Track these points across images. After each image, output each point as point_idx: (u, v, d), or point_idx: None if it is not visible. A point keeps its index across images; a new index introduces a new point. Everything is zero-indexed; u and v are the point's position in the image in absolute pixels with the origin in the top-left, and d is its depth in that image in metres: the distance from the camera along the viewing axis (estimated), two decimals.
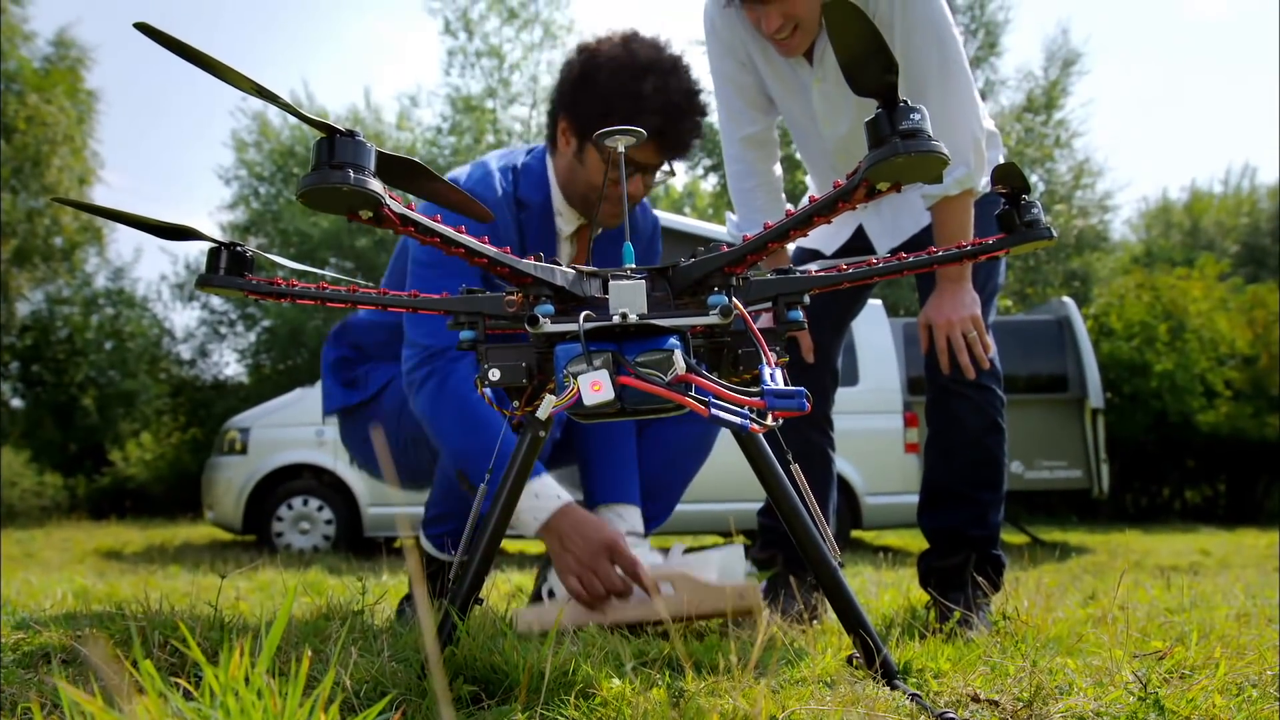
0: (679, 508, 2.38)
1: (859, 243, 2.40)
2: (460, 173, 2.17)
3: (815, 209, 1.23)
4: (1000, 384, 2.25)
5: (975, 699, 1.32)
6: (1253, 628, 2.00)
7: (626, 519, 2.10)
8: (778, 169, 2.42)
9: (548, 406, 1.30)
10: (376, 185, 1.11)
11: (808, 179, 2.57)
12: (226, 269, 1.34)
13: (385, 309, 1.40)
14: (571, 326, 1.25)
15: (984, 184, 2.13)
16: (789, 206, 2.44)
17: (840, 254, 2.40)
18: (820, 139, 2.29)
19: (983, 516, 2.22)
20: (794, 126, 2.35)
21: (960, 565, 2.19)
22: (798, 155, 2.48)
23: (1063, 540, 8.54)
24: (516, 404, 1.36)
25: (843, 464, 6.78)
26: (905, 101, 1.11)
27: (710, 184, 20.75)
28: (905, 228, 2.34)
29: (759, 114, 2.33)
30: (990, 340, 2.20)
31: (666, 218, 6.97)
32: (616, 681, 1.26)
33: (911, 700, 1.24)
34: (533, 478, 1.81)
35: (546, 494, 1.80)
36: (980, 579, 2.16)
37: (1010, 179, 1.36)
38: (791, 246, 2.45)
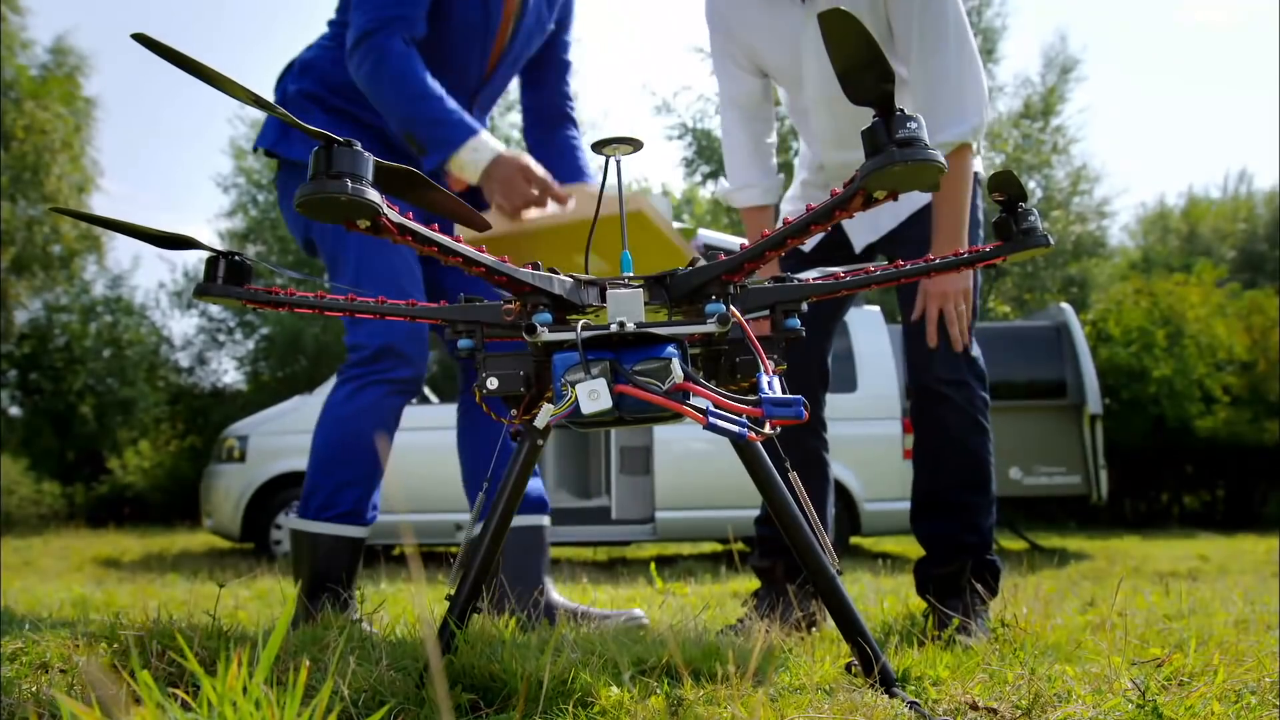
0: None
1: (836, 236, 2.44)
2: None
3: (812, 218, 1.24)
4: (983, 383, 2.27)
5: (974, 707, 1.32)
6: (1251, 634, 2.00)
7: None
8: (768, 137, 2.48)
9: (545, 415, 1.30)
10: (374, 195, 1.11)
11: (795, 160, 2.60)
12: (225, 278, 1.35)
13: (382, 317, 1.40)
14: (569, 335, 1.25)
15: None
16: (780, 177, 2.49)
17: (818, 249, 2.43)
18: (805, 90, 2.33)
19: (974, 522, 2.22)
20: (785, 83, 2.41)
21: (957, 573, 2.20)
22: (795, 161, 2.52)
23: (1061, 546, 8.54)
24: (514, 412, 1.36)
25: (842, 470, 6.79)
26: (901, 110, 1.12)
27: (708, 191, 20.78)
28: (883, 224, 2.39)
29: (744, 74, 2.39)
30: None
31: None
32: (615, 689, 1.26)
33: (910, 708, 1.24)
34: (471, 136, 2.07)
35: (484, 147, 2.07)
36: (978, 585, 2.16)
37: (1007, 187, 1.36)
38: None
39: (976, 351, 2.25)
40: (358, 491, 2.20)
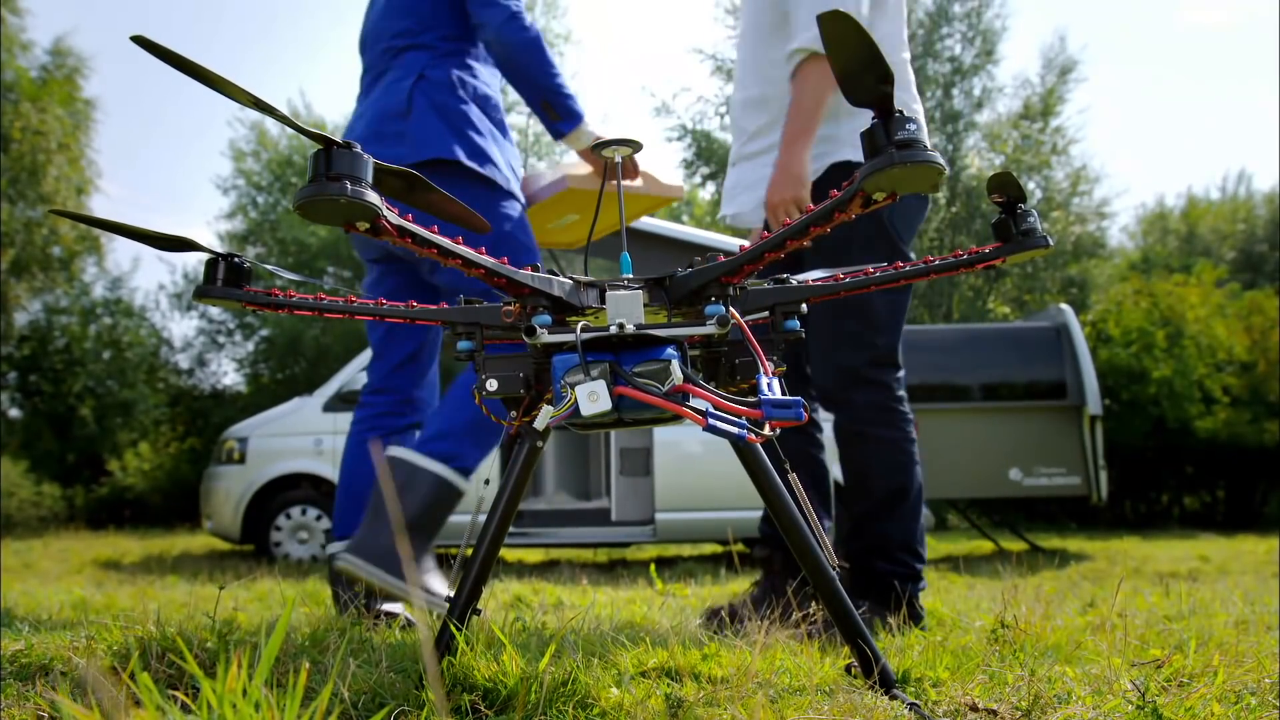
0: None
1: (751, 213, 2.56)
2: None
3: (811, 219, 1.24)
4: (883, 367, 2.30)
5: (974, 708, 1.32)
6: (1251, 635, 2.00)
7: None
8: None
9: (545, 417, 1.30)
10: (373, 197, 1.11)
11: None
12: (224, 280, 1.35)
13: (382, 319, 1.40)
14: (569, 337, 1.25)
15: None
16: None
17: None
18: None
19: (862, 529, 2.30)
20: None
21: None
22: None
23: (1061, 547, 8.54)
24: (514, 414, 1.36)
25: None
26: (900, 112, 1.12)
27: (708, 192, 20.77)
28: (761, 192, 2.45)
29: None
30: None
31: (665, 225, 6.97)
32: (615, 691, 1.26)
33: (910, 710, 1.24)
34: (574, 127, 2.50)
35: (590, 125, 2.53)
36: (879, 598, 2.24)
37: (1006, 188, 1.36)
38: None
39: (881, 341, 2.28)
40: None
